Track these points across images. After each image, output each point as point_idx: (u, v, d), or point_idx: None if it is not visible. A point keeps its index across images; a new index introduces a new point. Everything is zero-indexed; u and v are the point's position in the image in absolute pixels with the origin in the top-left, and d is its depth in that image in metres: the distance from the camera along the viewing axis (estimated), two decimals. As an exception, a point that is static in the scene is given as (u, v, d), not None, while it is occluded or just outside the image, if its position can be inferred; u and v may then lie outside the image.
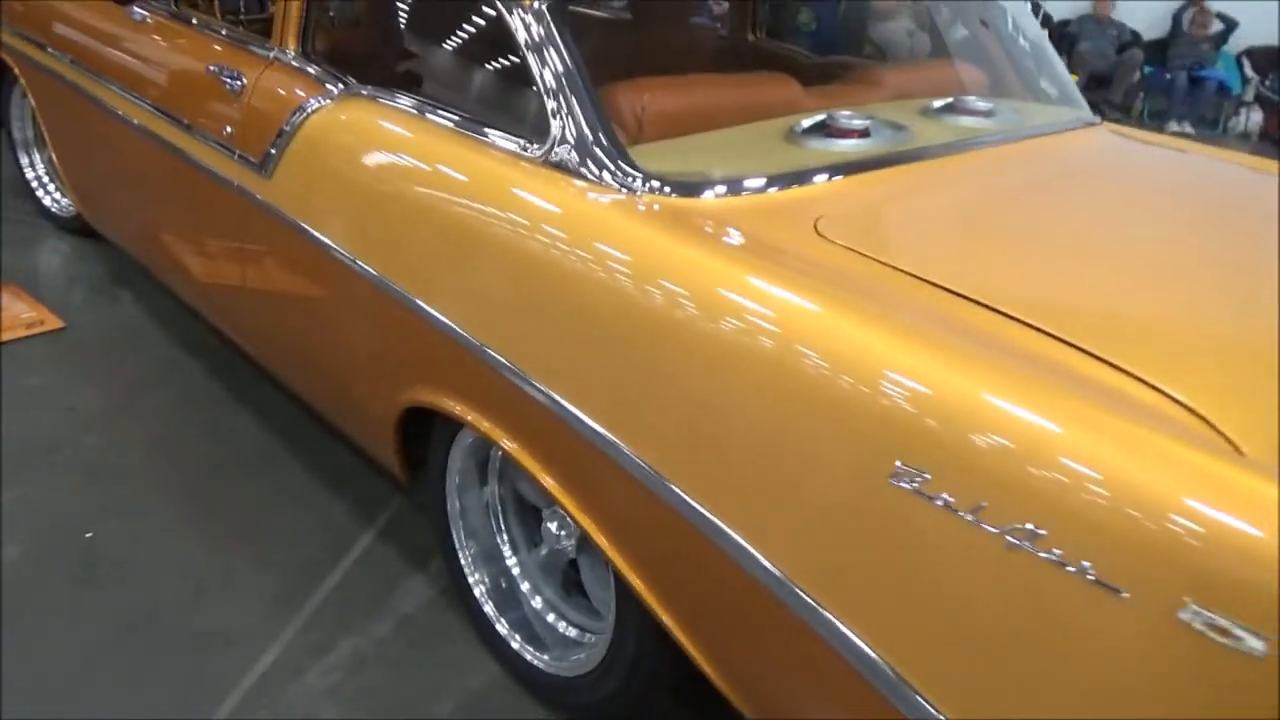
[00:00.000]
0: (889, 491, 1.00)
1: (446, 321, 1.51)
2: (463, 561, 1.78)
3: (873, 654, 1.06)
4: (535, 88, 1.48)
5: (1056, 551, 0.89)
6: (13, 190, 3.56)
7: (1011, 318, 1.11)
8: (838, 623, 1.08)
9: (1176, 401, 0.99)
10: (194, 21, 2.30)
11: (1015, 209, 1.56)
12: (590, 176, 1.41)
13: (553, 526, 1.65)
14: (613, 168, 1.40)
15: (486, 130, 1.57)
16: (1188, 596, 0.83)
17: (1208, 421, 0.97)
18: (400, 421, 1.72)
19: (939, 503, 0.96)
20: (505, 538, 1.78)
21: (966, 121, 1.83)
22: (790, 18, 5.65)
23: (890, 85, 2.01)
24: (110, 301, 3.04)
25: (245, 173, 1.95)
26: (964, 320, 1.12)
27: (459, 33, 1.79)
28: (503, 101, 1.65)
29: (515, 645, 1.71)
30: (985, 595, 0.97)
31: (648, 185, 1.40)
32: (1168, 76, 7.81)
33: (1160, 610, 0.84)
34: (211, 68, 2.08)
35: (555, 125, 1.44)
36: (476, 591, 1.77)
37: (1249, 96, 7.89)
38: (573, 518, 1.44)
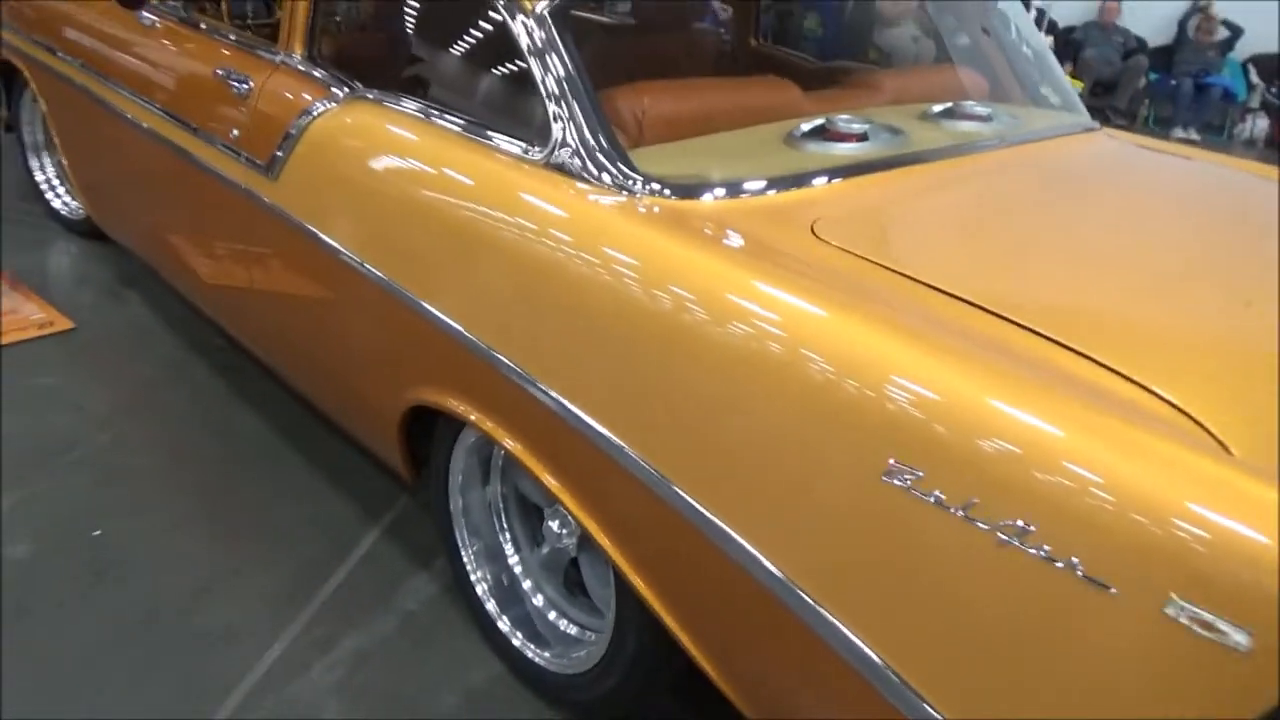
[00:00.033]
0: (882, 489, 1.02)
1: (449, 322, 1.53)
2: (465, 559, 1.80)
3: (870, 652, 1.07)
4: (537, 92, 1.50)
5: (1046, 548, 0.91)
6: (23, 193, 3.59)
7: (1002, 318, 1.12)
8: (839, 624, 1.09)
9: (1168, 403, 1.00)
10: (202, 26, 2.33)
11: (1009, 212, 1.58)
12: (591, 179, 1.43)
13: (554, 525, 1.67)
14: (613, 170, 1.42)
15: (490, 134, 1.59)
16: (1174, 592, 0.84)
17: (1198, 422, 0.98)
18: (404, 421, 1.74)
19: (931, 500, 0.98)
20: (507, 536, 1.79)
21: (964, 126, 1.85)
22: (797, 23, 5.68)
23: (890, 90, 2.03)
24: (119, 303, 3.07)
25: (252, 175, 1.97)
26: (957, 320, 1.13)
27: (462, 37, 1.81)
28: (506, 105, 1.67)
29: (517, 642, 1.73)
30: (977, 591, 0.99)
31: (647, 188, 1.42)
32: (1173, 83, 7.82)
33: (1147, 605, 0.85)
34: (219, 72, 2.11)
35: (557, 129, 1.47)
36: (479, 589, 1.79)
37: (1254, 103, 7.90)
38: (574, 517, 1.45)
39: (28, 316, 2.87)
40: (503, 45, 1.57)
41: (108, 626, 1.83)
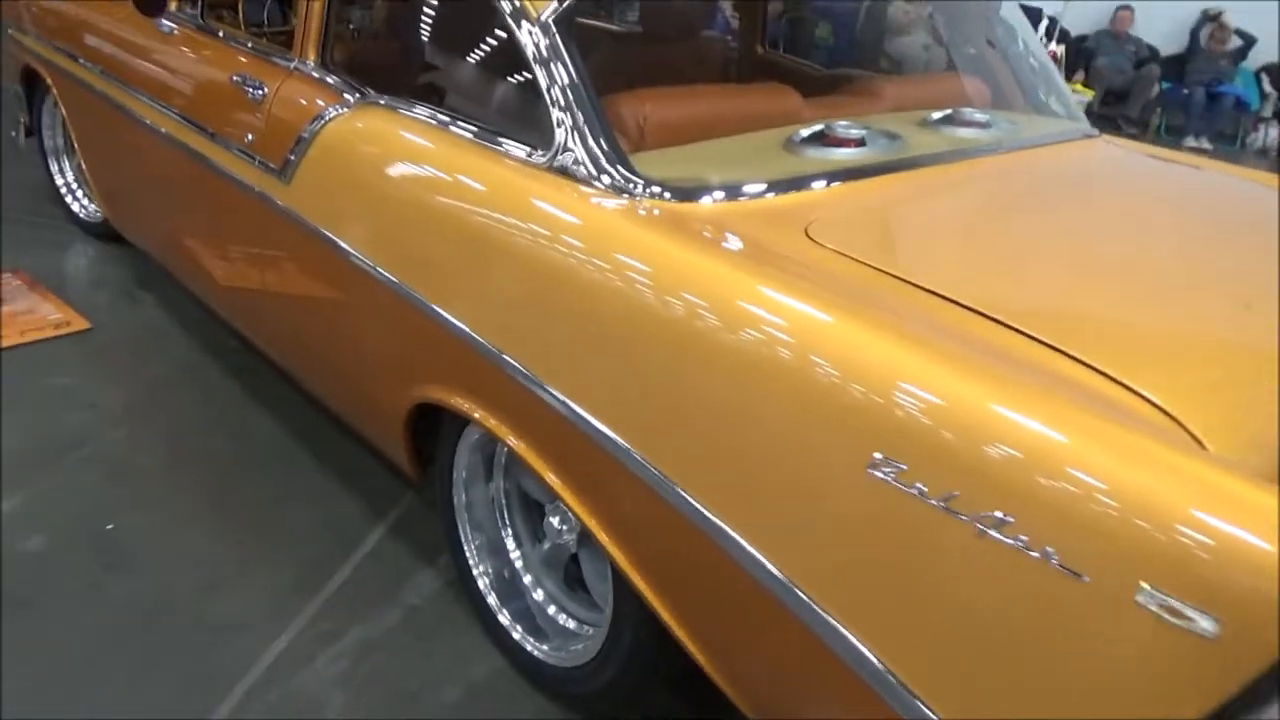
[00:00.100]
0: (868, 482, 1.05)
1: (455, 321, 1.57)
2: (468, 553, 1.84)
3: (865, 650, 1.09)
4: (541, 97, 1.53)
5: (1023, 538, 0.94)
6: (43, 196, 3.67)
7: (985, 316, 1.15)
8: (835, 622, 1.11)
9: (1147, 400, 1.03)
10: (220, 34, 2.38)
11: (999, 215, 1.61)
12: (593, 182, 1.47)
13: (554, 521, 1.70)
14: (613, 173, 1.46)
15: (496, 137, 1.63)
16: (1144, 580, 0.87)
17: (1175, 419, 1.01)
18: (409, 418, 1.78)
19: (913, 492, 1.01)
20: (509, 531, 1.83)
21: (963, 132, 1.88)
22: (809, 32, 5.72)
23: (891, 97, 2.06)
24: (134, 304, 3.13)
25: (265, 178, 2.02)
26: (941, 319, 1.16)
27: (470, 44, 1.85)
28: (511, 110, 1.71)
29: (516, 635, 1.76)
30: (960, 580, 1.01)
31: (648, 191, 1.45)
32: (1185, 92, 7.82)
33: (1118, 594, 0.88)
34: (235, 78, 2.16)
35: (560, 133, 1.50)
36: (481, 583, 1.82)
37: (1267, 112, 7.89)
38: (575, 514, 1.48)
39: (45, 316, 2.93)
40: (508, 52, 1.61)
41: (119, 615, 1.87)
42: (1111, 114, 8.01)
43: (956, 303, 1.19)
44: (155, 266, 3.08)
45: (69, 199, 3.57)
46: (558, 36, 1.54)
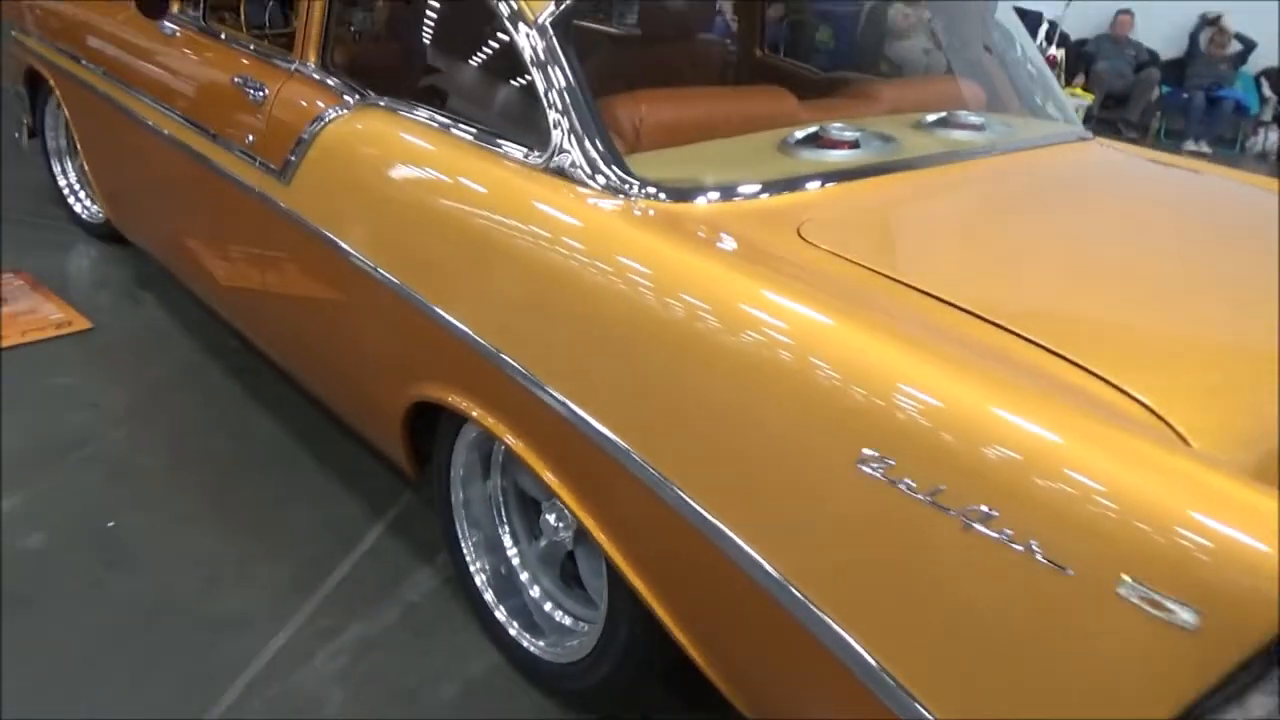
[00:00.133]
0: (857, 478, 1.06)
1: (452, 320, 1.58)
2: (465, 551, 1.85)
3: (856, 645, 1.10)
4: (538, 98, 1.55)
5: (1007, 532, 0.95)
6: (45, 197, 3.69)
7: (977, 316, 1.17)
8: (832, 622, 1.12)
9: (1134, 399, 1.04)
10: (221, 36, 2.40)
11: (991, 216, 1.62)
12: (588, 183, 1.49)
13: (551, 518, 1.72)
14: (608, 174, 1.47)
15: (493, 138, 1.64)
16: (1125, 573, 0.88)
17: (1160, 417, 1.02)
18: (407, 416, 1.79)
19: (901, 487, 1.02)
20: (507, 529, 1.85)
21: (957, 135, 1.89)
22: (809, 36, 5.74)
23: (887, 100, 2.08)
24: (136, 305, 3.15)
25: (266, 179, 2.04)
26: (931, 318, 1.18)
27: (468, 47, 1.87)
28: (508, 111, 1.72)
29: (513, 632, 1.78)
30: (948, 575, 1.03)
31: (643, 191, 1.47)
32: (1185, 96, 7.83)
33: (1101, 586, 0.89)
34: (236, 79, 2.18)
35: (556, 134, 1.52)
36: (478, 580, 1.84)
37: (1267, 116, 7.90)
38: (571, 512, 1.50)
39: (47, 316, 2.95)
40: (506, 54, 1.63)
41: (119, 612, 1.89)
42: (1111, 118, 8.02)
43: (945, 301, 1.20)
44: (157, 267, 3.10)
45: (71, 200, 3.59)
46: (554, 39, 1.56)
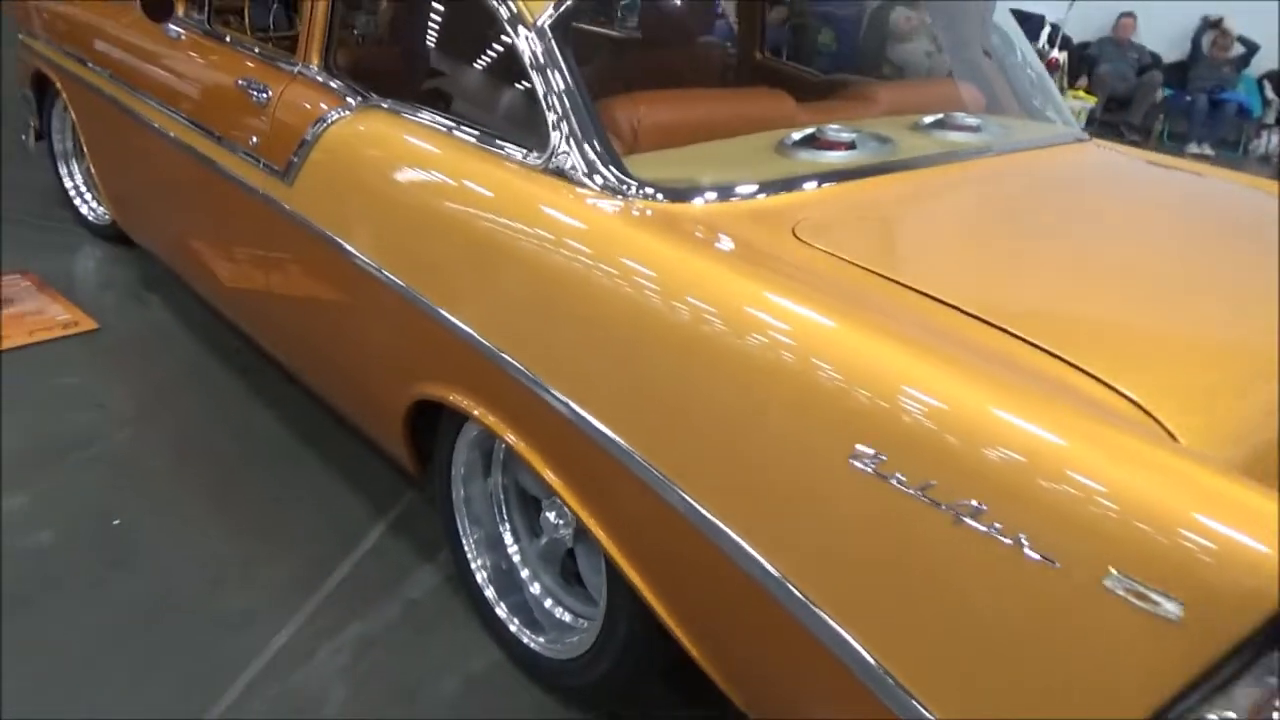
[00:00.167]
0: (850, 473, 1.07)
1: (453, 319, 1.60)
2: (466, 548, 1.87)
3: (853, 640, 1.12)
4: (537, 100, 1.57)
5: (997, 526, 0.96)
6: (52, 199, 3.72)
7: (968, 314, 1.18)
8: (830, 619, 1.13)
9: (1124, 396, 1.06)
10: (226, 39, 2.42)
11: (985, 216, 1.64)
12: (587, 183, 1.50)
13: (551, 516, 1.73)
14: (605, 174, 1.49)
15: (493, 140, 1.66)
16: (1112, 565, 0.89)
17: (1149, 414, 1.03)
18: (409, 414, 1.81)
19: (893, 482, 1.04)
20: (507, 526, 1.86)
21: (954, 136, 1.91)
22: (811, 38, 5.76)
23: (885, 102, 2.09)
24: (141, 305, 3.18)
25: (269, 180, 2.06)
26: (922, 315, 1.19)
27: (469, 49, 1.89)
28: (507, 112, 1.74)
29: (514, 628, 1.80)
30: (940, 569, 1.04)
31: (641, 191, 1.49)
32: (1188, 99, 7.84)
33: (1088, 578, 0.91)
34: (240, 82, 2.20)
35: (554, 135, 1.54)
36: (479, 577, 1.85)
37: (1270, 119, 7.90)
38: (571, 510, 1.51)
39: (53, 317, 2.97)
40: (505, 56, 1.65)
41: (122, 611, 1.90)
42: (1114, 120, 8.03)
43: (937, 299, 1.22)
44: (162, 268, 3.12)
45: (78, 202, 3.62)
46: (553, 41, 1.58)
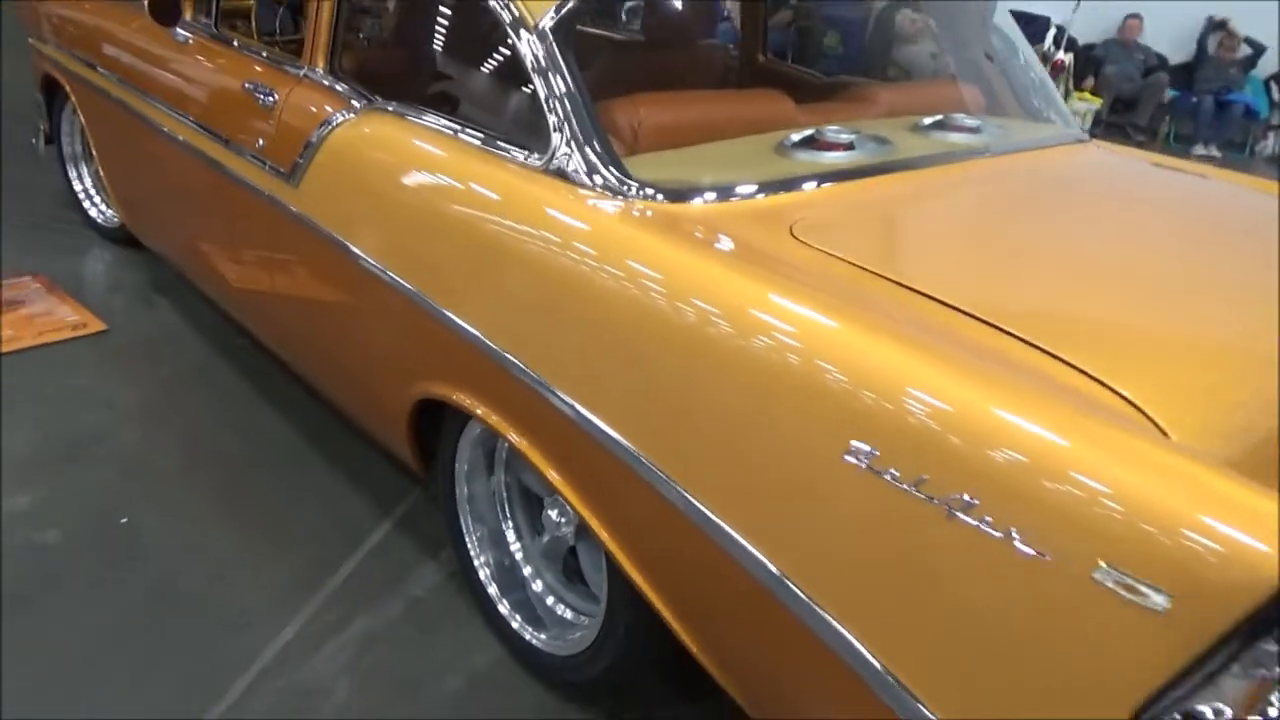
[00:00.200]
0: (844, 469, 1.09)
1: (454, 319, 1.61)
2: (469, 545, 1.89)
3: (852, 637, 1.13)
4: (537, 101, 1.59)
5: (988, 519, 0.98)
6: (62, 202, 3.76)
7: (961, 311, 1.20)
8: (829, 617, 1.14)
9: (1116, 393, 1.07)
10: (234, 43, 2.45)
11: (980, 215, 1.65)
12: (587, 184, 1.52)
13: (553, 514, 1.75)
14: (605, 175, 1.51)
15: (494, 141, 1.68)
16: (1101, 558, 0.91)
17: (1141, 410, 1.05)
18: (413, 414, 1.83)
19: (886, 477, 1.05)
20: (510, 524, 1.88)
21: (953, 137, 1.92)
22: (817, 41, 5.77)
23: (885, 103, 2.11)
24: (149, 307, 3.21)
25: (275, 182, 2.08)
26: (915, 312, 1.21)
27: (472, 52, 1.91)
28: (509, 114, 1.76)
29: (516, 625, 1.81)
30: (933, 564, 1.05)
31: (641, 192, 1.50)
32: (1194, 100, 7.82)
33: (1077, 571, 0.92)
34: (247, 85, 2.23)
35: (555, 136, 1.56)
36: (482, 574, 1.87)
37: (1276, 120, 7.87)
38: (573, 509, 1.53)
39: (63, 319, 3.00)
40: (506, 58, 1.67)
41: (129, 609, 1.93)
42: (1120, 122, 8.02)
43: (930, 297, 1.23)
44: (171, 270, 3.16)
45: (87, 204, 3.65)
46: (554, 44, 1.59)
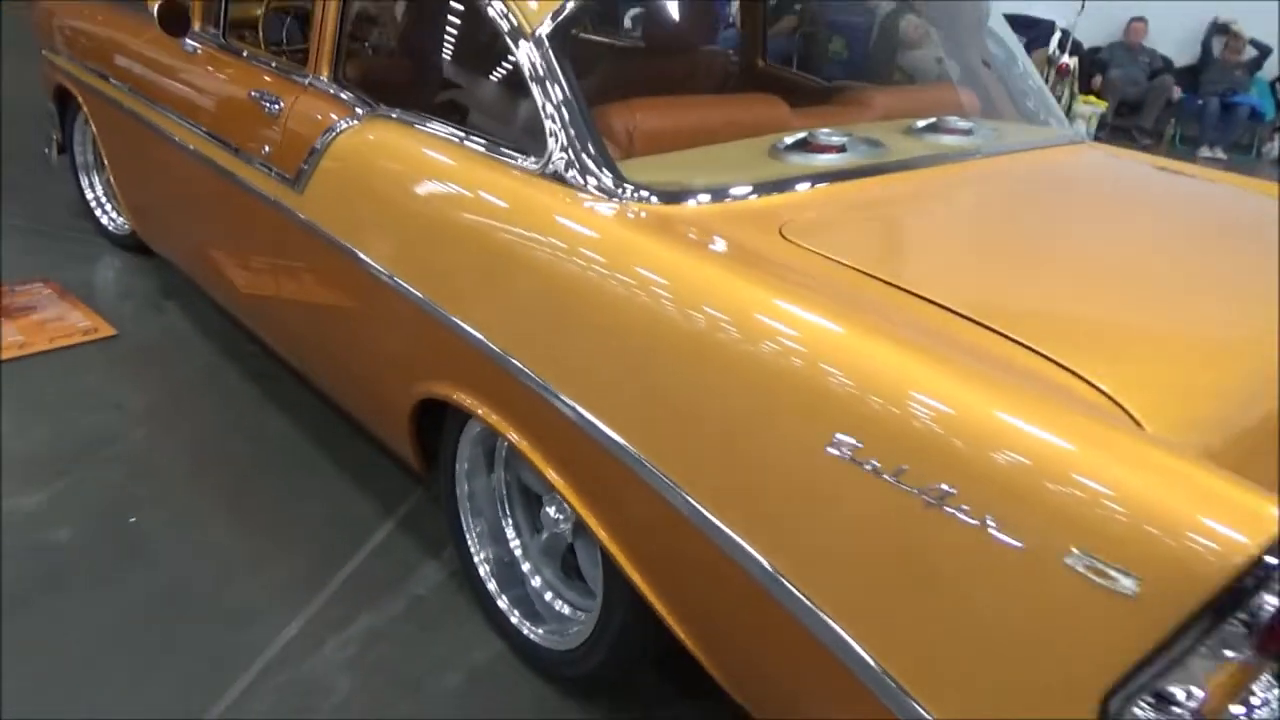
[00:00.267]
0: (826, 460, 1.11)
1: (454, 320, 1.65)
2: (470, 541, 1.92)
3: (839, 628, 1.15)
4: (534, 105, 1.62)
5: (965, 508, 1.00)
6: (74, 210, 3.82)
7: (944, 307, 1.22)
8: (822, 613, 1.17)
9: (1093, 386, 1.09)
10: (242, 53, 2.49)
11: (968, 215, 1.68)
12: (583, 187, 1.55)
13: (551, 511, 1.78)
14: (601, 178, 1.54)
15: (493, 145, 1.72)
16: (1073, 545, 0.93)
17: (1116, 402, 1.07)
18: (414, 413, 1.86)
19: (867, 468, 1.08)
20: (510, 521, 1.91)
21: (946, 139, 1.95)
22: (822, 47, 5.80)
23: (880, 107, 2.14)
24: (159, 312, 3.26)
25: (280, 188, 2.12)
26: (901, 308, 1.23)
27: (471, 59, 1.95)
28: (507, 119, 1.80)
29: (514, 620, 1.84)
30: (916, 552, 1.08)
31: (635, 194, 1.54)
32: (1199, 102, 7.82)
33: (1049, 557, 0.95)
34: (253, 94, 2.27)
35: (551, 140, 1.59)
36: (482, 570, 1.90)
37: (1283, 122, 7.87)
38: (571, 507, 1.55)
39: (74, 324, 3.06)
40: (504, 64, 1.71)
41: (137, 603, 1.97)
42: (1126, 125, 8.02)
43: (914, 293, 1.26)
44: (180, 277, 3.20)
45: (98, 212, 3.71)
46: (550, 50, 1.63)
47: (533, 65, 1.65)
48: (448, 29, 2.04)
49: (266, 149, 2.20)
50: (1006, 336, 1.16)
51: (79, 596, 1.97)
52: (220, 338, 3.06)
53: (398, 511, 2.32)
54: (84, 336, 3.00)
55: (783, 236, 1.43)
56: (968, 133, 1.98)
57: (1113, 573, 0.90)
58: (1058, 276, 1.43)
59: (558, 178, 1.59)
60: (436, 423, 1.89)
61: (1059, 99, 7.38)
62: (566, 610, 1.83)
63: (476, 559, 1.92)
